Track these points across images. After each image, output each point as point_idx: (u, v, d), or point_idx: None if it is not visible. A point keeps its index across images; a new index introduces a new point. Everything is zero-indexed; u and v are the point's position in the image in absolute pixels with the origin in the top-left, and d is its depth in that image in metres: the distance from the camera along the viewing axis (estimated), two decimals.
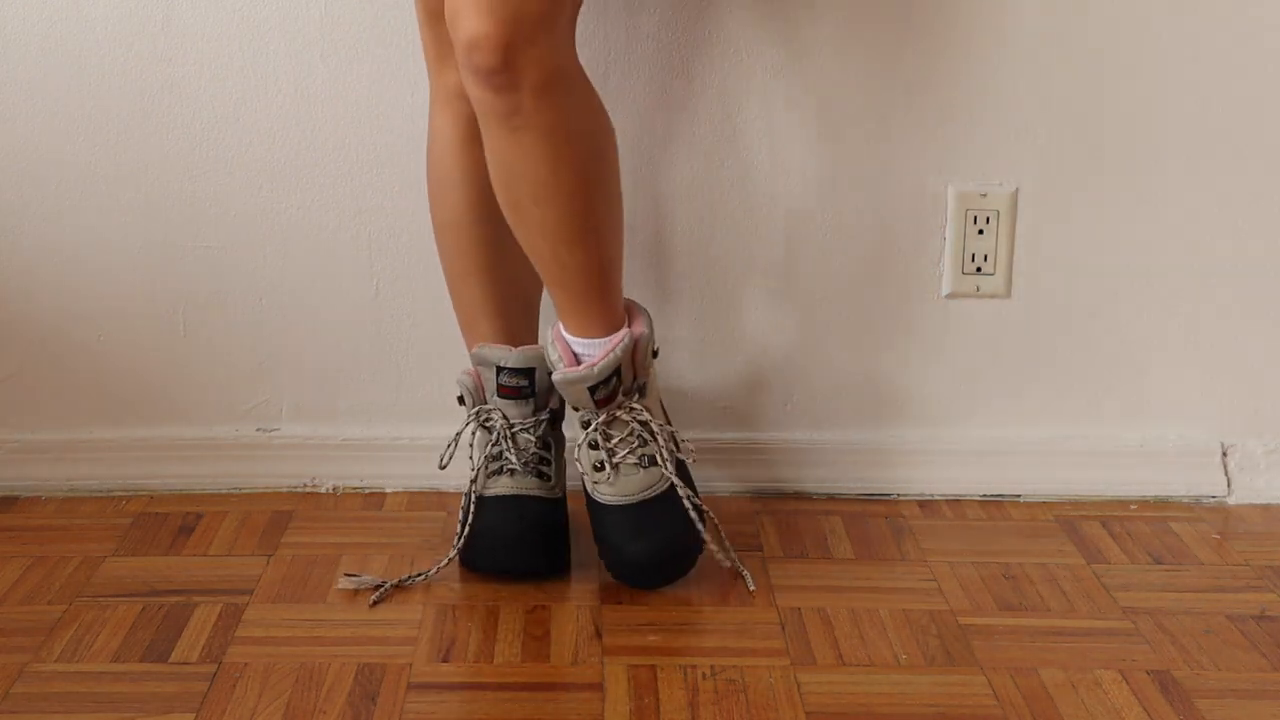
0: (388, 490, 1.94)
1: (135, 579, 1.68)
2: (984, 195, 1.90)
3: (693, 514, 1.65)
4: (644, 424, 1.66)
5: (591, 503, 1.68)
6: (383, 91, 1.87)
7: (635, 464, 1.65)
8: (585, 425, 1.66)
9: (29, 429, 1.94)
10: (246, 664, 1.49)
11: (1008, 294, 1.93)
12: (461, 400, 1.75)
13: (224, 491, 1.93)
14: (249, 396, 1.95)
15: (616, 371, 1.63)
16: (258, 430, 1.95)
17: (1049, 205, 1.91)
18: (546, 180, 1.55)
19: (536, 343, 1.77)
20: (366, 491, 1.94)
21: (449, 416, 1.90)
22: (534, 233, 1.60)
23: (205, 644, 1.53)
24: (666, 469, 1.65)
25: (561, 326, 1.66)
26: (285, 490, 1.94)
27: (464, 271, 1.74)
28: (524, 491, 1.69)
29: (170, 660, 1.50)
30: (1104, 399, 1.95)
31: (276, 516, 1.86)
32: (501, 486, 1.70)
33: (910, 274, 1.92)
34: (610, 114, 1.85)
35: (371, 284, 1.92)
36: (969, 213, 1.90)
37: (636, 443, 1.65)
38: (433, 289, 1.91)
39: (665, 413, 1.74)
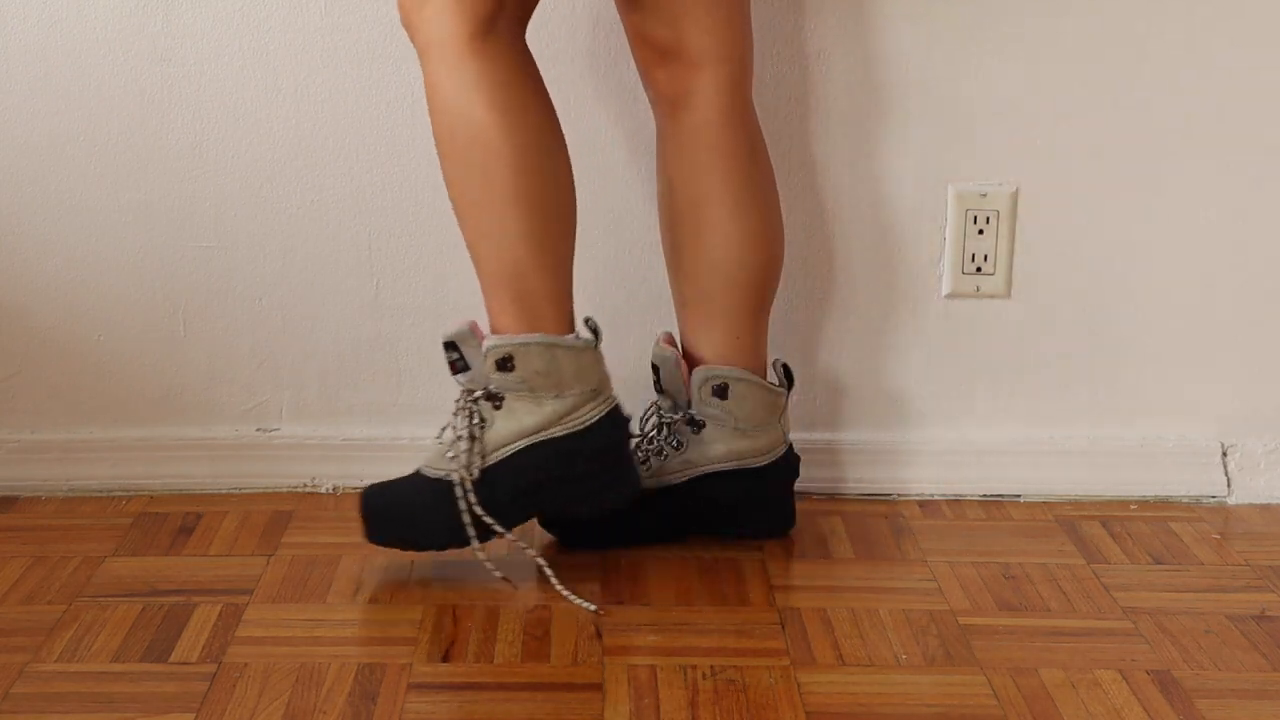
0: None
1: (135, 579, 1.68)
2: (984, 195, 1.90)
3: (467, 523, 1.62)
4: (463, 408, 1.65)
5: None
6: (383, 91, 1.86)
7: (438, 439, 1.67)
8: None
9: (29, 429, 1.94)
10: (246, 664, 1.49)
11: (1008, 294, 1.93)
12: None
13: (224, 491, 1.93)
14: (249, 396, 1.95)
15: (456, 348, 1.62)
16: (258, 430, 1.95)
17: (1049, 205, 1.90)
18: None
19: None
20: None
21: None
22: None
23: (205, 644, 1.53)
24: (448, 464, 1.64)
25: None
26: (285, 490, 1.94)
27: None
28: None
29: (170, 660, 1.50)
30: (1104, 399, 1.95)
31: (276, 516, 1.86)
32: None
33: (910, 274, 1.92)
34: (610, 111, 1.85)
35: (371, 284, 1.92)
36: (969, 213, 1.90)
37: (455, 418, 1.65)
38: (433, 289, 1.91)
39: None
